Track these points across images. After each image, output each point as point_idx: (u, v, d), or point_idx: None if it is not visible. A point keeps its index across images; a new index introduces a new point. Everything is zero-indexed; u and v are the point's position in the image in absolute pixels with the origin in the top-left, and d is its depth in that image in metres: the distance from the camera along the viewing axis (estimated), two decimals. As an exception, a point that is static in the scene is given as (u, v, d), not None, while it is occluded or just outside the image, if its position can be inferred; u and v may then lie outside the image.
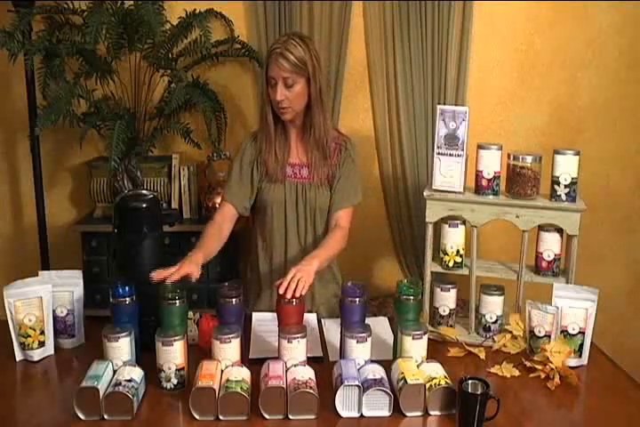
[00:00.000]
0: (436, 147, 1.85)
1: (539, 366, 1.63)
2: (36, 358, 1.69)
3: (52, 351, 1.73)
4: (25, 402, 1.53)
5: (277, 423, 1.42)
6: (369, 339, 1.58)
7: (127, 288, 1.61)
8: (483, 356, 1.73)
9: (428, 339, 1.61)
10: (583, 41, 2.73)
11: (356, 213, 2.07)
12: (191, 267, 1.69)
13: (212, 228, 1.94)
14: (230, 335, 1.53)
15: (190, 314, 1.74)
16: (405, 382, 1.44)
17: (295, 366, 1.52)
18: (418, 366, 1.53)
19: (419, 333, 1.57)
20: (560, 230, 1.82)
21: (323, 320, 1.94)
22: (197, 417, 1.42)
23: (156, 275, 1.64)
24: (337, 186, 2.01)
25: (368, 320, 1.67)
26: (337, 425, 1.42)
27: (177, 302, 1.58)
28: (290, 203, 2.01)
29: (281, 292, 1.61)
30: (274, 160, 1.98)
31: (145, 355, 1.61)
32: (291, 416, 1.42)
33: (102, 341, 1.55)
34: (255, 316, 1.93)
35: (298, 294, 1.61)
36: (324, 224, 2.04)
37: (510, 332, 1.79)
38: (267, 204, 2.01)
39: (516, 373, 1.64)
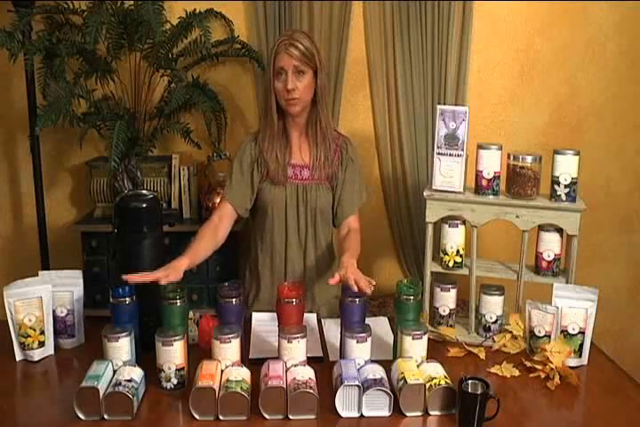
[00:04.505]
0: (435, 147, 1.85)
1: (539, 366, 1.64)
2: (36, 358, 1.69)
3: (52, 351, 1.73)
4: (25, 402, 1.53)
5: (277, 423, 1.42)
6: (369, 339, 1.58)
7: (127, 288, 1.61)
8: (483, 356, 1.73)
9: (428, 339, 1.61)
10: (583, 41, 2.73)
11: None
12: (167, 271, 1.63)
13: (208, 229, 1.92)
14: (230, 335, 1.53)
15: (190, 314, 1.74)
16: (405, 382, 1.44)
17: (295, 366, 1.52)
18: (418, 366, 1.53)
19: (419, 333, 1.57)
20: (560, 230, 1.82)
21: (323, 320, 1.94)
22: (197, 417, 1.42)
23: (129, 278, 1.59)
24: (343, 192, 2.02)
25: (368, 320, 1.67)
26: (337, 425, 1.42)
27: (177, 301, 1.58)
28: (290, 204, 2.01)
29: (356, 289, 1.60)
30: (275, 161, 1.98)
31: (145, 355, 1.61)
32: (291, 416, 1.42)
33: (102, 341, 1.55)
34: (255, 316, 1.92)
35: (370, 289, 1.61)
36: (325, 225, 2.05)
37: (510, 332, 1.79)
38: (267, 204, 2.01)
39: (516, 373, 1.64)
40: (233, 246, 2.61)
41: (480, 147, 1.83)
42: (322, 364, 1.65)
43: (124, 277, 1.59)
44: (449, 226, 1.86)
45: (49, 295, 1.71)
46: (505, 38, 2.73)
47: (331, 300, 2.07)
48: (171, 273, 1.63)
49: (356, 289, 1.59)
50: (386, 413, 1.44)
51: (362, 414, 1.44)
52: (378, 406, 1.44)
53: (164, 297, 1.58)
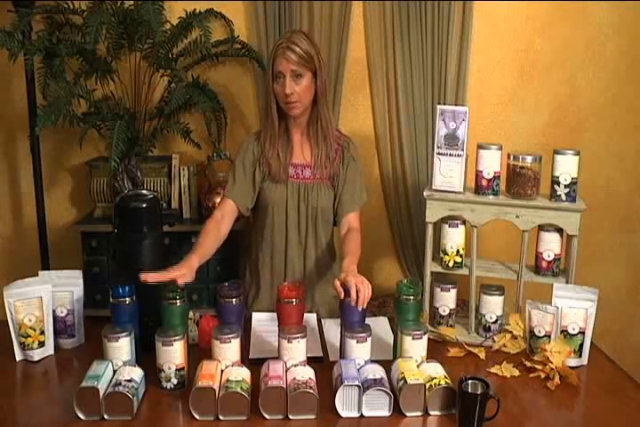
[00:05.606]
0: (435, 147, 1.85)
1: (539, 366, 1.64)
2: (36, 358, 1.69)
3: (52, 351, 1.73)
4: (25, 402, 1.53)
5: (277, 423, 1.42)
6: (369, 339, 1.58)
7: (127, 288, 1.61)
8: (483, 356, 1.73)
9: (428, 339, 1.61)
10: (583, 41, 2.73)
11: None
12: (182, 270, 1.63)
13: (211, 225, 1.92)
14: (230, 335, 1.53)
15: (190, 314, 1.74)
16: (405, 382, 1.44)
17: (295, 366, 1.53)
18: (418, 366, 1.53)
19: (419, 333, 1.58)
20: (560, 230, 1.82)
21: (323, 320, 1.94)
22: (197, 417, 1.42)
23: (146, 277, 1.59)
24: (344, 190, 2.02)
25: (368, 320, 1.67)
26: (337, 425, 1.42)
27: (177, 301, 1.58)
28: (291, 203, 2.01)
29: (353, 304, 1.58)
30: (276, 160, 1.98)
31: (145, 355, 1.61)
32: (291, 416, 1.42)
33: (102, 341, 1.55)
34: (255, 316, 1.92)
35: (366, 303, 1.60)
36: (325, 224, 2.05)
37: (510, 332, 1.79)
38: (268, 203, 2.01)
39: (516, 373, 1.64)
40: (233, 246, 2.61)
41: (480, 147, 1.83)
42: (322, 364, 1.65)
43: (142, 276, 1.58)
44: (449, 226, 1.86)
45: (49, 295, 1.71)
46: (505, 38, 2.73)
47: (330, 300, 2.07)
48: (187, 273, 1.63)
49: (354, 301, 1.57)
50: (386, 413, 1.44)
51: (362, 414, 1.44)
52: (378, 406, 1.44)
53: (164, 297, 1.58)
